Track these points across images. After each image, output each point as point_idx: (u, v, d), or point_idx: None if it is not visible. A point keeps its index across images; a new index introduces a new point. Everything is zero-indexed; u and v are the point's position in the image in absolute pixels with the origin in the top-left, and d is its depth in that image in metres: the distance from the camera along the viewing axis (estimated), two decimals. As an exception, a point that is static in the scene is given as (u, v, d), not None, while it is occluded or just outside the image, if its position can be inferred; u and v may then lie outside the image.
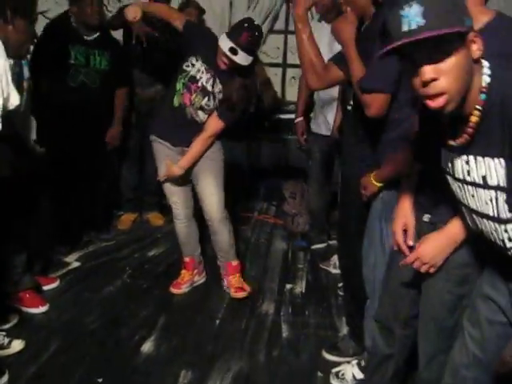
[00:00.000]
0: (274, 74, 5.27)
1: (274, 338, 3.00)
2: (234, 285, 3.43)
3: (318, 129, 3.89)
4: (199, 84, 3.09)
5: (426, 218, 1.94)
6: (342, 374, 2.65)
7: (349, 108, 2.59)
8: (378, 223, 2.38)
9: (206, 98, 3.12)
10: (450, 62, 1.35)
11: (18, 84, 2.84)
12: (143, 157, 4.45)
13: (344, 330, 3.03)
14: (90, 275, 3.64)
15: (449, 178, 1.63)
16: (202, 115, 3.17)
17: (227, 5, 5.02)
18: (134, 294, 3.43)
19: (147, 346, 2.86)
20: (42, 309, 3.16)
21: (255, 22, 3.07)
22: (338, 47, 2.56)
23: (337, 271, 3.69)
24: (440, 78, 1.36)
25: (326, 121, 3.76)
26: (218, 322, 3.15)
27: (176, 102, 3.15)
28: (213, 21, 5.11)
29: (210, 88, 3.11)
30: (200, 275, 3.61)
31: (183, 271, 3.54)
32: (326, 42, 3.34)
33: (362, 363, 2.61)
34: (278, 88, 5.42)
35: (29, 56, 3.07)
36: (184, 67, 3.11)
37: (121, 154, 4.35)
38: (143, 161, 4.47)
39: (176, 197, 3.38)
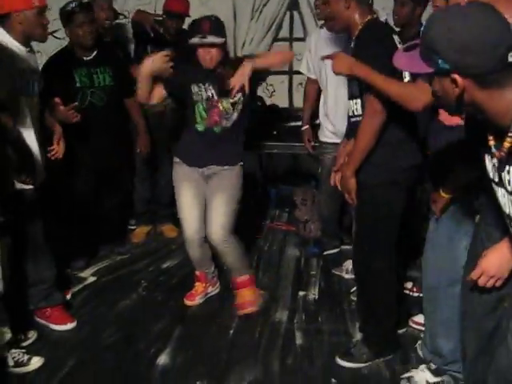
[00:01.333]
0: (281, 82, 5.31)
1: (288, 345, 3.03)
2: (240, 300, 3.42)
3: (326, 138, 3.90)
4: (215, 97, 3.18)
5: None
6: (415, 382, 2.63)
7: (356, 120, 2.64)
8: (448, 241, 2.41)
9: (226, 99, 3.18)
10: None
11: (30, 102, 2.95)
12: (155, 169, 4.52)
13: (358, 335, 3.05)
14: (106, 290, 3.71)
15: (493, 186, 1.65)
16: (235, 114, 3.21)
17: (231, 15, 5.05)
18: (150, 307, 3.49)
19: (163, 359, 2.92)
20: (70, 326, 3.21)
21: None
22: None
23: (349, 276, 3.73)
24: None
25: (336, 129, 3.74)
26: (232, 331, 3.19)
27: (201, 127, 3.21)
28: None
29: (220, 91, 3.18)
30: (213, 286, 3.66)
31: (197, 283, 3.59)
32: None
33: (432, 367, 2.61)
34: (285, 95, 5.46)
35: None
36: (195, 98, 3.20)
37: (133, 168, 4.41)
38: (155, 173, 4.54)
39: (191, 222, 3.35)
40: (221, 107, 3.19)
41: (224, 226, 3.22)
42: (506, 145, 1.48)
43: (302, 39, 4.87)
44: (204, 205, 3.33)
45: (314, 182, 4.83)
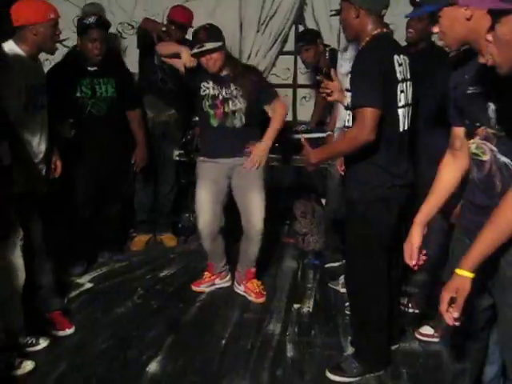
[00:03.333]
0: (285, 95, 5.32)
1: (279, 357, 3.03)
2: (254, 290, 3.68)
3: None
4: (220, 97, 3.42)
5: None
6: None
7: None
8: None
9: (231, 102, 3.43)
10: None
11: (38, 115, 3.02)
12: (157, 178, 4.55)
13: (350, 349, 3.05)
14: (102, 296, 3.73)
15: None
16: (237, 120, 3.45)
17: (237, 27, 5.09)
18: (144, 315, 3.50)
19: (153, 366, 2.92)
20: (69, 331, 3.21)
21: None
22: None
23: (345, 290, 3.70)
24: None
25: None
26: (224, 341, 3.19)
27: (214, 122, 3.48)
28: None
29: (226, 95, 3.43)
30: (222, 279, 3.87)
31: (206, 272, 3.84)
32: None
33: None
34: (289, 109, 5.46)
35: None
36: (202, 93, 3.45)
37: (135, 176, 4.44)
38: (157, 182, 4.57)
39: (204, 214, 3.59)
40: (223, 110, 3.42)
41: (262, 217, 3.56)
42: None
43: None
44: (222, 201, 3.61)
45: (315, 195, 4.84)
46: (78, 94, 3.79)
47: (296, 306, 3.63)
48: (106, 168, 3.95)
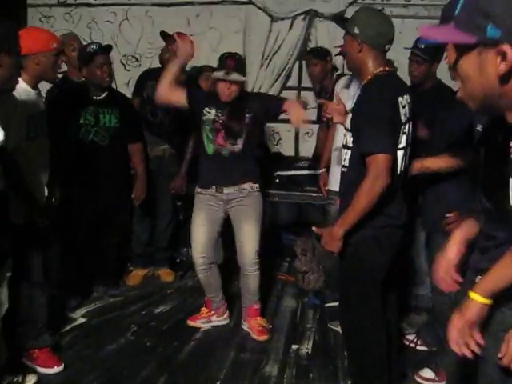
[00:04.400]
0: (287, 131, 5.30)
1: (276, 401, 2.91)
2: (255, 327, 3.62)
3: (333, 186, 3.81)
4: (220, 120, 3.40)
5: (478, 279, 1.74)
6: None
7: (343, 170, 2.61)
8: None
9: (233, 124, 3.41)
10: None
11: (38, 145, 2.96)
12: (155, 213, 4.47)
13: (349, 394, 2.93)
14: (95, 332, 3.61)
15: None
16: (239, 141, 3.40)
17: (241, 62, 5.09)
18: (137, 353, 3.38)
19: (144, 409, 2.80)
20: (57, 369, 3.09)
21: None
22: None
23: (345, 331, 3.62)
24: None
25: None
26: (219, 383, 3.07)
27: (210, 150, 3.44)
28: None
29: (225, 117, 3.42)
30: (219, 316, 3.78)
31: (203, 308, 3.77)
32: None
33: None
34: (291, 144, 5.44)
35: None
36: (203, 118, 3.43)
37: (132, 210, 4.37)
38: (154, 217, 4.49)
39: (198, 242, 3.57)
40: (227, 132, 3.39)
41: (255, 249, 3.52)
42: None
43: (310, 89, 4.87)
44: (217, 231, 3.60)
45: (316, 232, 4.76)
46: (82, 121, 3.77)
47: (294, 346, 3.51)
48: (105, 198, 3.88)
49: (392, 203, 2.55)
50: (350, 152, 2.56)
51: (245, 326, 3.70)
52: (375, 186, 2.39)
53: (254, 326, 3.64)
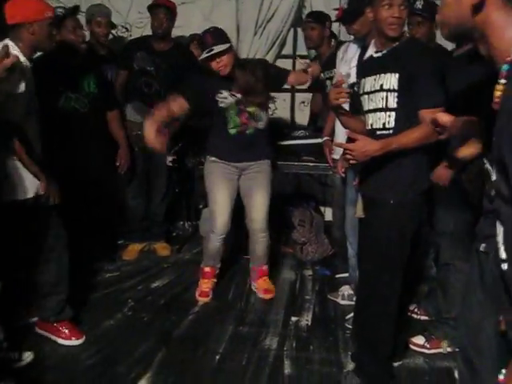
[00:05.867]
0: (283, 100, 5.18)
1: (276, 374, 2.86)
2: (263, 287, 3.73)
3: (338, 155, 3.72)
4: (242, 101, 3.40)
5: (482, 247, 1.75)
6: None
7: (383, 132, 2.53)
8: None
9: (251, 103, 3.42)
10: None
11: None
12: (149, 186, 4.39)
13: (350, 366, 2.89)
14: (91, 308, 3.54)
15: None
16: (262, 114, 3.48)
17: (234, 30, 4.96)
18: (134, 328, 3.33)
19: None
20: (81, 341, 3.12)
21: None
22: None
23: (345, 302, 3.58)
24: None
25: None
26: (218, 357, 3.02)
27: (233, 131, 3.46)
28: (220, 48, 5.08)
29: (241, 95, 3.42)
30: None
31: (205, 280, 3.74)
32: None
33: None
34: (287, 113, 5.33)
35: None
36: (222, 105, 3.41)
37: (126, 184, 4.29)
38: (149, 190, 4.41)
39: (223, 215, 3.57)
40: (249, 110, 3.41)
41: (266, 216, 3.62)
42: (497, 93, 1.35)
43: (306, 56, 4.75)
44: (234, 198, 3.62)
45: (314, 203, 4.69)
46: (61, 88, 3.65)
47: (294, 319, 3.46)
48: (92, 169, 3.77)
49: (429, 169, 2.52)
50: (394, 113, 2.47)
51: (253, 287, 3.80)
52: (430, 137, 2.27)
53: (261, 285, 3.74)
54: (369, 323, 2.69)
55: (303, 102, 5.18)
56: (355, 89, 2.78)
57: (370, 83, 2.55)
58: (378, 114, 2.53)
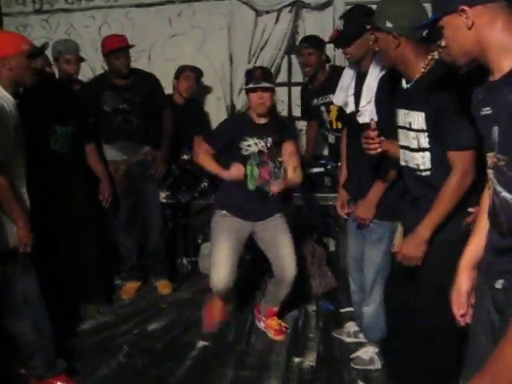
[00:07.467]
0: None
1: (278, 422, 2.69)
2: (274, 327, 3.57)
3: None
4: (265, 151, 3.32)
5: (500, 284, 1.61)
6: None
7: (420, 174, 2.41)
8: None
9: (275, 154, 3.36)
10: None
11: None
12: (144, 223, 4.25)
13: (357, 410, 2.71)
14: (85, 356, 3.37)
15: None
16: (282, 170, 3.36)
17: (227, 60, 4.89)
18: (129, 377, 3.16)
19: None
20: None
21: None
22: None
23: (351, 340, 3.41)
24: None
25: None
26: (217, 403, 2.85)
27: (251, 185, 3.32)
28: (213, 77, 5.02)
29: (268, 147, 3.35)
30: None
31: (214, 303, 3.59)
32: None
33: None
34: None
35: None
36: (245, 154, 3.31)
37: (115, 222, 4.18)
38: (145, 227, 4.28)
39: (221, 269, 3.33)
40: (271, 164, 3.32)
41: (295, 262, 3.41)
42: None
43: (301, 84, 4.63)
44: (240, 251, 3.44)
45: (316, 234, 4.54)
46: (41, 130, 3.45)
47: (297, 360, 3.28)
48: (74, 209, 3.64)
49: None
50: (428, 153, 2.32)
51: (260, 326, 3.67)
52: (465, 182, 2.21)
53: (271, 325, 3.59)
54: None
55: (301, 130, 5.05)
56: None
57: (401, 118, 2.43)
58: (411, 153, 2.40)
